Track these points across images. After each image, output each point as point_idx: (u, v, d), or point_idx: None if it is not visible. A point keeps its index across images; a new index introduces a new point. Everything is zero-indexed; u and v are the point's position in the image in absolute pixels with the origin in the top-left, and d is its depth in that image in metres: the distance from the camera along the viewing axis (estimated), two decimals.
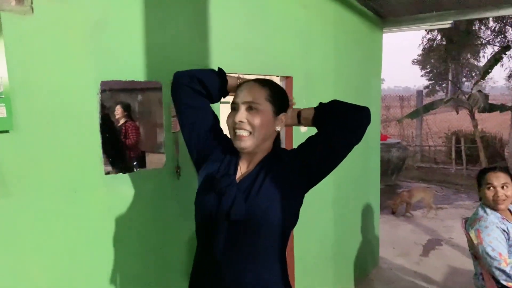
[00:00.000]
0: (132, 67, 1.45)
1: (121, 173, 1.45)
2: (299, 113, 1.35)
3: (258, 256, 1.18)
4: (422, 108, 8.73)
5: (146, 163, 1.54)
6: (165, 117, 1.59)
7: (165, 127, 1.59)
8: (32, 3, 1.15)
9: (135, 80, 1.46)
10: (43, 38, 1.20)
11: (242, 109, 1.21)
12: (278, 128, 1.28)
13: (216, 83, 1.35)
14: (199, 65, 1.70)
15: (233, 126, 1.22)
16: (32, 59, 1.18)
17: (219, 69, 1.39)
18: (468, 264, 3.78)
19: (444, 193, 7.02)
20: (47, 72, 1.21)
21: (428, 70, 27.79)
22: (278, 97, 1.26)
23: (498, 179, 2.19)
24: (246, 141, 1.20)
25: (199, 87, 1.33)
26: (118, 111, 1.43)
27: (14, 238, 1.16)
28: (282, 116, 1.27)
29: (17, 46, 1.14)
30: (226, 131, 1.41)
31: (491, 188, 2.19)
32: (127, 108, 1.47)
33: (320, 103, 1.31)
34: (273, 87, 1.26)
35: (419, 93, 11.20)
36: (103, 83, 1.36)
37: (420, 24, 3.30)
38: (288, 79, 2.32)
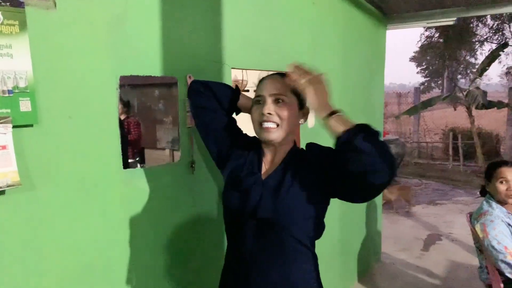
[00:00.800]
0: (149, 62, 1.46)
1: (138, 168, 1.47)
2: (332, 113, 1.06)
3: (287, 255, 1.16)
4: (420, 104, 8.78)
5: (145, 160, 1.52)
6: (180, 112, 1.60)
7: (180, 122, 1.60)
8: None
9: (152, 75, 1.47)
10: (65, 32, 1.21)
11: (269, 101, 1.19)
12: (301, 121, 1.26)
13: (226, 94, 1.38)
14: (213, 61, 1.72)
15: (260, 119, 1.20)
16: (54, 54, 1.19)
17: (236, 86, 1.41)
18: (468, 258, 3.84)
19: (423, 186, 7.08)
20: (69, 67, 1.22)
21: (424, 67, 27.92)
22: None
23: (511, 172, 2.21)
24: (274, 132, 1.19)
25: (209, 94, 1.37)
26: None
27: (38, 231, 1.17)
28: (306, 109, 1.26)
29: (41, 41, 1.14)
30: (244, 130, 1.43)
31: (504, 182, 2.21)
32: (126, 104, 1.47)
33: (361, 127, 1.02)
34: None
35: (417, 89, 11.27)
36: (122, 78, 1.37)
37: (423, 20, 3.32)
38: None
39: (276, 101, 1.19)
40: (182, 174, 1.63)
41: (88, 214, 1.30)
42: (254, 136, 1.34)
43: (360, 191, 1.08)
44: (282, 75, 1.25)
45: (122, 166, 1.40)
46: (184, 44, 1.59)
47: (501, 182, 2.22)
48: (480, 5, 2.98)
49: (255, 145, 1.28)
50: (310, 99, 1.10)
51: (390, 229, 4.70)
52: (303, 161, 1.21)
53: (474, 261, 3.65)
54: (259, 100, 1.23)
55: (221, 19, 1.74)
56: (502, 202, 2.24)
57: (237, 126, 1.40)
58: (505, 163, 2.29)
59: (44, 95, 1.15)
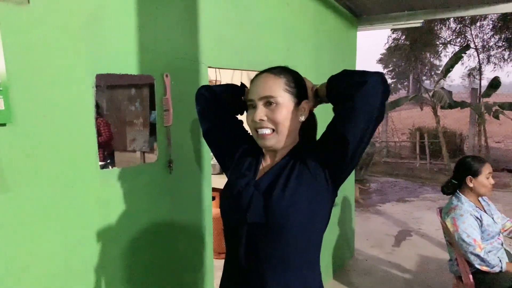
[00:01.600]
0: (125, 61, 1.44)
1: (116, 168, 1.44)
2: (316, 91, 1.19)
3: (284, 262, 1.06)
4: (388, 104, 9.01)
5: (116, 163, 1.46)
6: (157, 111, 1.58)
7: (157, 121, 1.58)
8: None
9: (129, 73, 1.45)
10: (39, 29, 1.17)
11: (260, 105, 1.10)
12: (302, 118, 1.14)
13: (230, 94, 1.29)
14: (190, 59, 1.71)
15: (254, 126, 1.12)
16: (28, 51, 1.15)
17: (241, 83, 1.31)
18: (437, 252, 3.97)
19: (369, 187, 7.28)
20: (43, 64, 1.19)
21: (390, 68, 28.73)
22: (296, 84, 1.13)
23: (489, 168, 2.31)
24: (271, 139, 1.10)
25: (212, 97, 1.29)
26: None
27: (13, 233, 1.13)
28: (304, 104, 1.14)
29: (13, 37, 1.10)
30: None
31: (491, 177, 2.30)
32: (95, 105, 1.41)
33: (331, 77, 1.14)
34: (288, 74, 1.13)
35: None
36: (98, 76, 1.34)
37: (392, 22, 3.42)
38: None
39: (268, 104, 1.09)
40: (160, 174, 1.61)
41: (64, 216, 1.26)
42: None
43: (364, 107, 1.01)
44: (273, 70, 1.14)
45: (99, 166, 1.37)
46: (161, 43, 1.57)
47: (488, 178, 2.30)
48: (446, 7, 3.10)
49: (256, 146, 1.19)
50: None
51: (363, 226, 4.80)
52: (303, 157, 1.10)
53: (443, 255, 3.79)
54: (251, 105, 1.14)
55: (197, 18, 1.73)
56: (474, 196, 2.32)
57: (243, 129, 1.32)
58: (482, 160, 2.36)
59: (17, 93, 1.12)
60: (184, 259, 1.77)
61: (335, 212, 3.41)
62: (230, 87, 1.32)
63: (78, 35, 1.28)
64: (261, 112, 1.09)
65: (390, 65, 28.20)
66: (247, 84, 1.26)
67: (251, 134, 1.28)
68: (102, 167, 1.39)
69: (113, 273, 1.44)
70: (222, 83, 1.39)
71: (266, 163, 1.18)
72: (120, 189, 1.45)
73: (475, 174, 2.31)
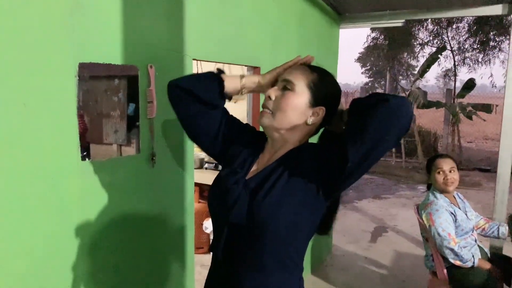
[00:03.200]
0: (109, 50, 1.40)
1: (98, 160, 1.40)
2: (341, 114, 1.14)
3: (260, 264, 1.03)
4: None
5: (91, 155, 1.41)
6: (140, 103, 1.55)
7: (141, 113, 1.55)
8: None
9: (112, 63, 1.42)
10: (21, 14, 1.13)
11: (278, 85, 1.10)
12: (309, 121, 1.07)
13: (210, 88, 1.16)
14: (175, 51, 1.68)
15: (263, 103, 1.11)
16: (7, 35, 1.10)
17: (218, 69, 1.23)
18: (412, 248, 4.08)
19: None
20: (24, 50, 1.14)
21: (368, 67, 29.13)
22: (323, 87, 1.09)
23: (446, 163, 2.40)
24: (265, 118, 1.08)
25: (190, 98, 1.16)
26: None
27: None
28: (319, 109, 1.08)
29: None
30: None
31: (441, 172, 2.39)
32: None
33: (356, 98, 1.07)
34: (322, 76, 1.11)
35: (363, 89, 11.73)
36: (81, 65, 1.30)
37: (374, 21, 3.46)
38: (255, 69, 2.35)
39: (284, 88, 1.08)
40: (143, 167, 1.58)
41: (42, 208, 1.22)
42: (260, 131, 1.24)
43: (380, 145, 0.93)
44: (312, 66, 1.14)
45: (81, 158, 1.34)
46: (146, 33, 1.54)
47: (438, 173, 2.41)
48: (427, 8, 3.16)
49: (258, 141, 1.17)
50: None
51: (340, 222, 4.86)
52: (300, 159, 1.06)
53: (418, 251, 3.89)
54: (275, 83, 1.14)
55: (183, 9, 1.71)
56: (444, 191, 2.41)
57: (234, 121, 1.25)
58: (440, 156, 2.49)
59: None
60: (166, 253, 1.75)
61: None
62: (204, 78, 1.20)
63: (61, 22, 1.23)
64: (274, 91, 1.09)
65: (368, 64, 28.60)
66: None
67: (252, 127, 1.27)
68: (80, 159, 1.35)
69: (93, 267, 1.41)
70: (195, 75, 1.27)
71: (263, 160, 1.13)
72: (102, 182, 1.42)
73: (428, 170, 2.49)
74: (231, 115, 1.26)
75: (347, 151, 0.93)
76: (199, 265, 1.96)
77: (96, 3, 1.34)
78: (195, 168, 2.88)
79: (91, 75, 1.35)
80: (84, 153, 1.39)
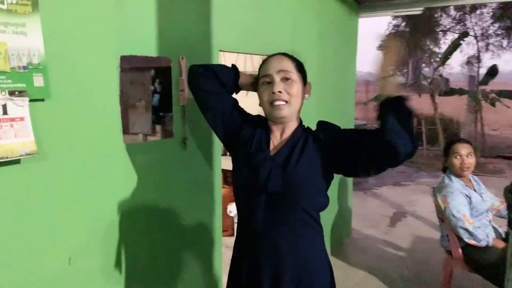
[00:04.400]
0: (146, 44, 1.56)
1: (139, 142, 1.57)
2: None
3: (296, 226, 1.23)
4: None
5: None
6: (173, 92, 1.71)
7: (174, 101, 1.71)
8: None
9: (149, 55, 1.57)
10: (72, 13, 1.29)
11: (278, 79, 1.24)
12: (307, 96, 1.32)
13: (229, 75, 1.39)
14: (202, 42, 1.83)
15: (270, 99, 1.25)
16: (63, 33, 1.27)
17: (233, 65, 1.43)
18: (430, 232, 4.15)
19: None
20: (76, 45, 1.32)
21: None
22: (302, 68, 1.32)
23: (464, 148, 2.47)
24: (285, 109, 1.24)
25: (213, 77, 1.36)
26: None
27: (50, 197, 1.28)
28: (308, 85, 1.33)
29: (50, 20, 1.23)
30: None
31: (458, 156, 2.47)
32: None
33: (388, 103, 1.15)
34: (296, 59, 1.32)
35: None
36: (123, 58, 1.46)
37: (394, 9, 3.51)
38: None
39: (284, 79, 1.25)
40: (176, 149, 1.75)
41: (93, 184, 1.41)
42: (258, 115, 1.42)
43: (382, 164, 1.17)
44: (286, 54, 1.31)
45: (123, 140, 1.51)
46: (177, 27, 1.69)
47: (456, 157, 2.48)
48: None
49: (261, 123, 1.34)
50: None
51: (359, 207, 4.96)
52: (311, 138, 1.27)
53: (436, 234, 3.95)
54: (267, 80, 1.27)
55: (211, 4, 1.84)
56: (459, 176, 2.49)
57: (239, 106, 1.43)
58: (459, 140, 2.56)
59: (53, 72, 1.24)
60: (196, 229, 1.92)
61: (333, 194, 3.57)
62: (225, 67, 1.41)
63: (105, 19, 1.40)
64: (280, 85, 1.25)
65: None
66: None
67: (249, 112, 1.43)
68: None
69: (133, 237, 1.59)
70: (213, 63, 1.48)
71: (276, 139, 1.31)
72: (142, 162, 1.59)
73: (446, 154, 2.57)
74: (239, 105, 1.44)
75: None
76: (224, 246, 2.12)
77: (134, 2, 1.49)
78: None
79: (131, 66, 1.51)
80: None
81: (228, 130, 1.39)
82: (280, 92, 1.24)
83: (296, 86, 1.26)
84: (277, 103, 1.24)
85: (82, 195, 1.37)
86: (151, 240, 1.67)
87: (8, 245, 1.18)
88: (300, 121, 1.34)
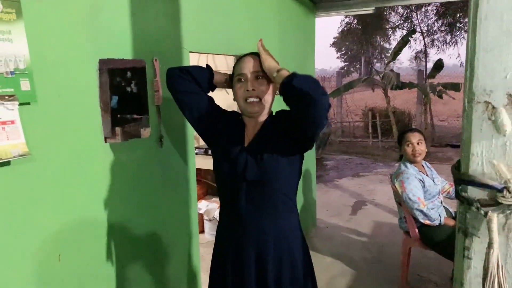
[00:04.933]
0: (121, 47, 1.63)
1: (117, 141, 1.64)
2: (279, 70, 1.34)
3: (275, 207, 1.38)
4: (342, 87, 9.47)
5: None
6: (148, 92, 1.78)
7: (149, 101, 1.78)
8: None
9: (124, 58, 1.64)
10: (51, 20, 1.34)
11: (251, 78, 1.38)
12: (277, 93, 1.42)
13: (204, 75, 1.49)
14: (173, 44, 1.91)
15: (245, 96, 1.38)
16: (44, 39, 1.32)
17: (207, 65, 1.54)
18: (389, 218, 4.43)
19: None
20: (57, 50, 1.37)
21: (343, 52, 29.55)
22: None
23: (414, 137, 2.71)
24: (257, 105, 1.38)
25: (189, 78, 1.46)
26: None
27: (38, 196, 1.33)
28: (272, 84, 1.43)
29: (33, 27, 1.27)
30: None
31: (410, 144, 2.70)
32: None
33: (291, 75, 1.27)
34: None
35: (339, 73, 12.06)
36: (101, 61, 1.52)
37: (347, 9, 3.73)
38: None
39: (256, 78, 1.39)
40: (153, 148, 1.82)
41: (76, 183, 1.46)
42: (233, 111, 1.55)
43: (310, 123, 1.25)
44: (256, 54, 1.44)
45: (104, 140, 1.57)
46: (150, 30, 1.76)
47: (408, 145, 2.72)
48: None
49: (235, 118, 1.48)
50: (266, 62, 1.37)
51: (322, 199, 5.19)
52: (276, 126, 1.41)
53: (394, 220, 4.23)
54: (240, 79, 1.40)
55: (179, 5, 1.93)
56: (412, 162, 2.72)
57: (215, 103, 1.54)
58: (410, 130, 2.80)
59: (38, 76, 1.29)
60: (174, 220, 2.00)
61: (299, 188, 3.74)
62: (199, 68, 1.51)
63: (82, 24, 1.46)
64: (253, 83, 1.38)
65: (343, 49, 29.04)
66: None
67: (224, 109, 1.55)
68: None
69: (116, 233, 1.65)
70: (189, 65, 1.61)
71: (250, 132, 1.45)
72: (120, 161, 1.65)
73: (399, 143, 2.81)
74: (215, 103, 1.55)
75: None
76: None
77: (108, 8, 1.56)
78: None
79: (108, 68, 1.58)
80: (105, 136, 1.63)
81: (206, 126, 1.50)
82: (253, 90, 1.37)
83: (267, 84, 1.39)
84: (250, 99, 1.38)
85: (67, 194, 1.42)
86: (135, 237, 1.74)
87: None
88: (271, 114, 1.48)
